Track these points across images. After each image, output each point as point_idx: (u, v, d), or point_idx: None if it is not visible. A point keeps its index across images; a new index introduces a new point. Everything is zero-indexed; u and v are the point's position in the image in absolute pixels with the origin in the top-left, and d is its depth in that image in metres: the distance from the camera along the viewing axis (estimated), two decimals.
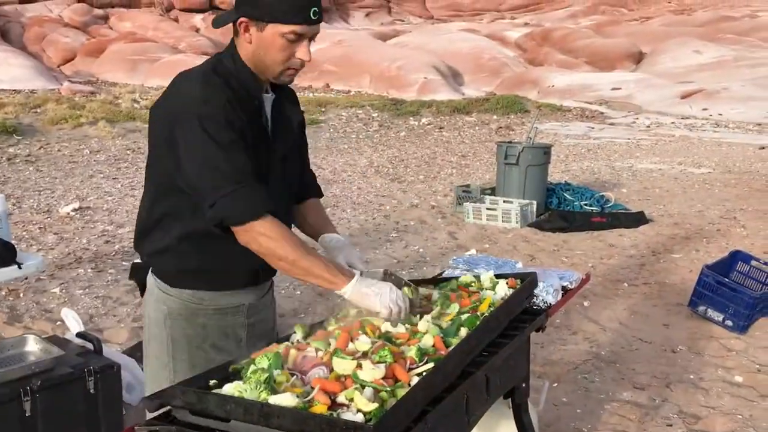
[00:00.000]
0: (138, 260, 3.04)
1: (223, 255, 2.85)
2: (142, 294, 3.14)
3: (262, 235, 2.66)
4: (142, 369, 4.88)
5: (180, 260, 2.88)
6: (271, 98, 2.93)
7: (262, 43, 2.74)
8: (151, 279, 3.02)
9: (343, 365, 2.32)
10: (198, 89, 2.70)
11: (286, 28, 2.69)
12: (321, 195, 3.40)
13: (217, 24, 2.88)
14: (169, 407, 2.29)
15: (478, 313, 2.92)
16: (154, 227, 2.90)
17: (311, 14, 2.71)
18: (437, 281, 3.51)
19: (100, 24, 38.08)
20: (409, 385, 2.30)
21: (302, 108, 3.14)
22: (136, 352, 5.68)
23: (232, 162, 2.64)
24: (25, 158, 15.90)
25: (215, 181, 2.63)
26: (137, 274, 3.28)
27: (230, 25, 2.84)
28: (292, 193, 3.13)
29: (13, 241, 4.99)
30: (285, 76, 2.82)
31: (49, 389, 3.81)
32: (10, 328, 6.50)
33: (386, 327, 2.69)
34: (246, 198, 2.64)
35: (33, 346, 4.19)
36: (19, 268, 4.78)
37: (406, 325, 2.73)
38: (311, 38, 2.78)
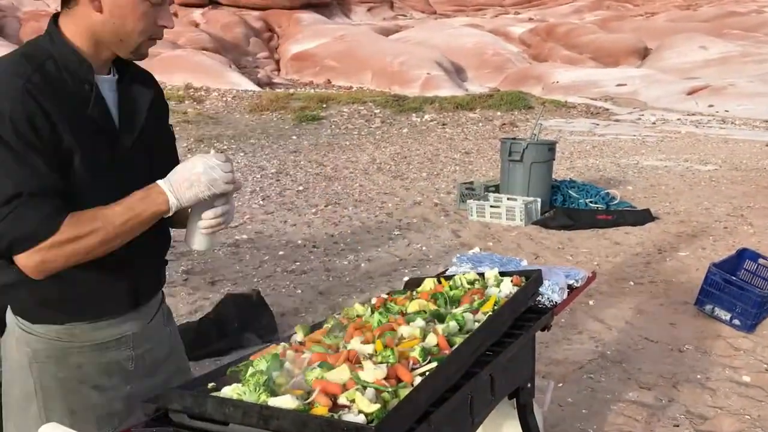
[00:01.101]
0: None
1: (87, 278, 2.42)
2: (0, 333, 2.62)
3: (56, 248, 2.23)
4: None
5: (37, 291, 2.38)
6: (112, 80, 2.47)
7: (119, 12, 2.32)
8: (10, 317, 2.54)
9: (337, 374, 2.29)
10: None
11: None
12: None
13: None
14: (165, 410, 2.26)
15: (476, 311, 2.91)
16: None
17: None
18: (440, 279, 3.49)
19: None
20: (412, 385, 2.27)
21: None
22: None
23: (23, 171, 2.18)
24: None
25: (2, 197, 2.17)
26: None
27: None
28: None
29: None
30: (144, 47, 2.43)
31: None
32: None
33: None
34: (36, 215, 2.19)
35: None
36: None
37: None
38: (171, 3, 2.49)
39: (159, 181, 2.32)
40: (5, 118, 2.16)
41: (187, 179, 2.31)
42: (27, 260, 2.23)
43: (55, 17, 2.42)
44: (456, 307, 2.93)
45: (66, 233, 2.21)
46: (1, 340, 2.63)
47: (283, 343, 2.66)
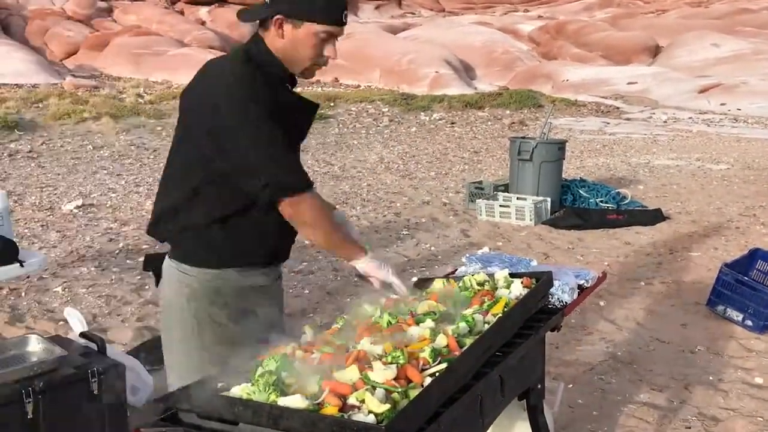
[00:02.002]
0: (151, 251, 3.11)
1: (247, 235, 3.06)
2: (157, 284, 3.30)
3: (311, 207, 2.95)
4: (148, 371, 4.90)
5: (205, 240, 3.04)
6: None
7: (295, 40, 2.96)
8: (168, 264, 3.19)
9: (346, 375, 2.30)
10: (238, 74, 2.91)
11: (321, 28, 2.94)
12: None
13: (245, 18, 3.06)
14: (175, 409, 2.28)
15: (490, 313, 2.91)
16: (178, 210, 3.08)
17: (343, 17, 2.99)
18: (449, 279, 3.49)
19: (103, 17, 38.13)
20: (422, 386, 2.29)
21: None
22: (140, 352, 5.70)
23: (278, 138, 2.89)
24: (27, 154, 15.94)
25: (271, 157, 2.88)
26: (152, 264, 3.37)
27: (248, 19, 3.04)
28: None
29: (14, 239, 4.99)
30: (310, 71, 3.07)
31: (52, 390, 3.80)
32: (11, 328, 6.51)
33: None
34: (297, 170, 2.95)
35: (35, 347, 4.19)
36: (21, 266, 4.79)
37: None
38: (338, 38, 3.03)
39: (369, 253, 3.09)
40: (254, 103, 2.85)
41: (382, 270, 3.05)
42: (290, 204, 2.94)
43: (257, 34, 3.07)
44: (466, 309, 2.94)
45: (315, 205, 2.98)
46: (160, 287, 3.29)
47: (291, 344, 2.68)
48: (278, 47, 3.00)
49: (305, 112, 3.21)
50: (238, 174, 2.91)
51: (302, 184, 2.93)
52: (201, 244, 3.05)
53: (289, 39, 2.97)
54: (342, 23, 2.99)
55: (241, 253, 3.09)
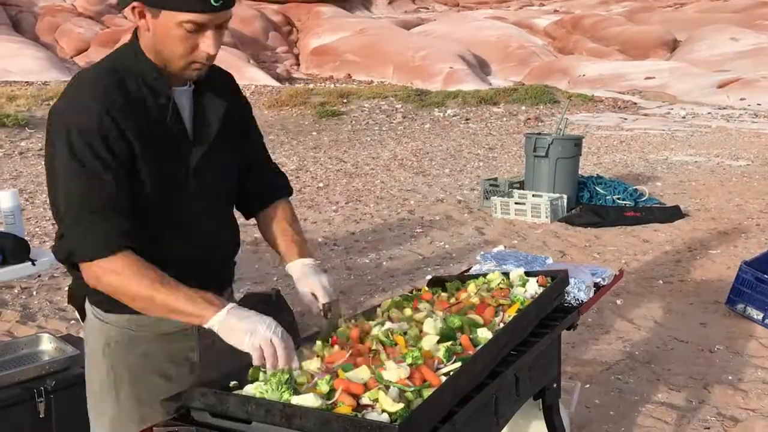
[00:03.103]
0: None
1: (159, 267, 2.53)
2: (82, 320, 2.90)
3: (109, 273, 2.39)
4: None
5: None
6: (187, 92, 2.60)
7: (158, 33, 2.41)
8: (88, 307, 2.75)
9: (358, 374, 2.31)
10: (77, 95, 2.45)
11: (183, 17, 2.35)
12: (285, 194, 3.01)
13: (120, 4, 2.46)
14: (187, 408, 2.29)
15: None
16: None
17: (210, 1, 2.35)
18: (464, 278, 3.50)
19: (114, 13, 38.16)
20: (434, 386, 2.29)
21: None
22: None
23: (91, 188, 2.36)
24: (38, 152, 15.99)
25: (68, 209, 2.40)
26: (75, 300, 3.05)
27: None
28: (221, 195, 2.77)
29: (26, 237, 5.01)
30: (190, 70, 2.49)
31: (64, 390, 3.83)
32: (23, 327, 6.55)
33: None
34: (97, 231, 2.37)
35: (47, 345, 4.22)
36: (33, 264, 4.80)
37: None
38: (219, 26, 2.45)
39: (227, 309, 2.39)
40: (82, 136, 2.34)
41: (238, 335, 2.36)
42: (84, 272, 2.44)
43: (137, 29, 2.52)
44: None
45: (116, 271, 2.39)
46: (84, 329, 2.86)
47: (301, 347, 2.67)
48: (147, 43, 2.47)
49: (207, 112, 2.63)
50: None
51: (94, 250, 2.39)
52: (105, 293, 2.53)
53: (152, 32, 2.41)
54: (213, 8, 2.36)
55: None
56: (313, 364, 2.40)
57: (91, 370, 2.76)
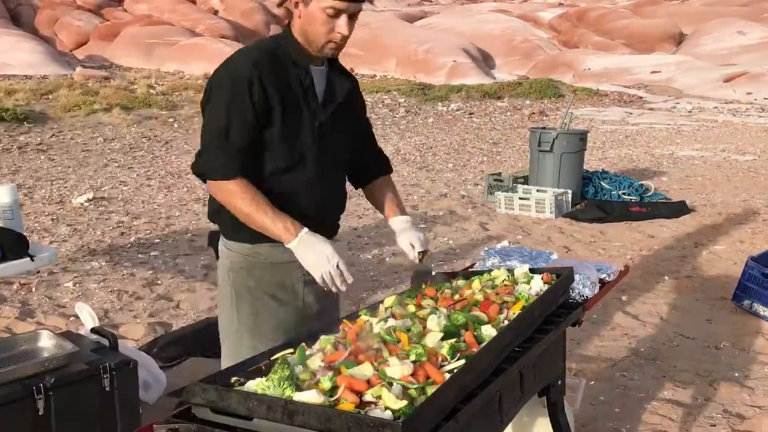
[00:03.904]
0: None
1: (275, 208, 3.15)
2: (217, 258, 3.53)
3: (223, 191, 3.09)
4: (161, 367, 4.94)
5: (234, 216, 3.15)
6: (322, 71, 3.29)
7: (307, 17, 3.10)
8: (220, 240, 3.42)
9: (361, 371, 2.31)
10: (235, 59, 3.15)
11: (326, 3, 3.03)
12: (388, 171, 3.73)
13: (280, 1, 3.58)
14: (189, 404, 2.29)
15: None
16: None
17: None
18: (468, 274, 3.50)
19: (114, 6, 38.20)
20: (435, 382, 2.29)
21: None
22: (152, 348, 5.73)
23: (229, 121, 3.05)
24: (37, 147, 16.01)
25: (208, 138, 3.13)
26: (212, 241, 3.77)
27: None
28: (338, 159, 3.41)
29: (25, 233, 5.01)
30: (327, 48, 3.16)
31: (63, 387, 3.83)
32: (22, 324, 6.54)
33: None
34: (219, 158, 3.08)
35: (46, 342, 4.22)
36: (32, 260, 4.80)
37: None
38: (352, 15, 3.12)
39: (301, 235, 3.08)
40: (233, 82, 3.05)
41: (309, 258, 3.07)
42: (210, 186, 3.16)
43: (290, 19, 3.26)
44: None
45: (230, 191, 3.07)
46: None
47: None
48: (297, 28, 3.17)
49: (335, 87, 3.32)
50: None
51: (216, 173, 3.09)
52: (231, 218, 3.17)
53: (303, 17, 3.12)
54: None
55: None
56: (315, 362, 2.41)
57: (221, 290, 3.40)
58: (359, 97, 3.56)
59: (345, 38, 3.16)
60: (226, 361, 3.28)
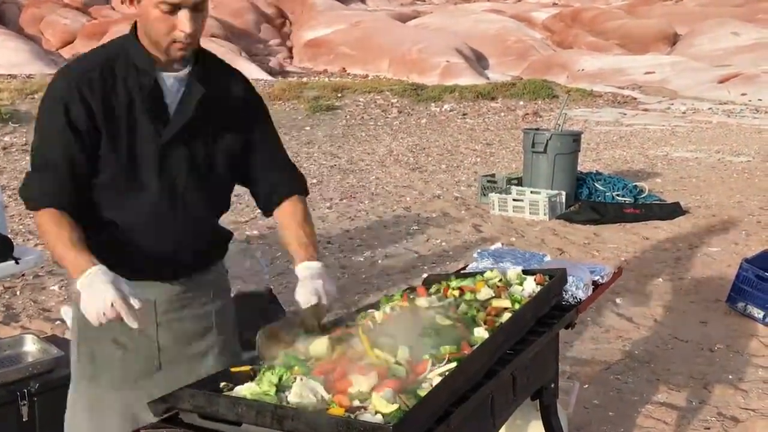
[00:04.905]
0: None
1: (124, 241, 2.79)
2: None
3: (38, 219, 2.68)
4: None
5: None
6: (179, 77, 2.79)
7: (143, 16, 2.65)
8: None
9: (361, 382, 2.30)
10: (61, 72, 2.78)
11: None
12: (295, 192, 3.10)
13: None
14: (176, 410, 2.28)
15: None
16: None
17: None
18: (459, 276, 3.50)
19: (101, 4, 38.15)
20: (431, 385, 2.29)
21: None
22: None
23: (42, 145, 2.72)
24: (22, 147, 15.93)
25: (31, 159, 2.76)
26: None
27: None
28: (198, 184, 2.85)
29: (9, 235, 5.00)
30: (174, 50, 2.68)
31: (48, 392, 3.82)
32: (6, 328, 6.52)
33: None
34: (36, 184, 2.70)
35: (31, 347, 4.21)
36: (16, 263, 4.79)
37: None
38: (196, 7, 2.63)
39: (88, 273, 2.49)
40: (49, 102, 2.68)
41: (83, 299, 2.48)
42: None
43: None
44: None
45: (39, 222, 2.68)
46: None
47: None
48: (140, 28, 2.72)
49: (195, 96, 2.77)
50: None
51: (32, 202, 2.70)
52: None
53: (138, 14, 2.67)
54: None
55: (120, 263, 2.64)
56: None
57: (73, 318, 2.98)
58: (250, 104, 3.01)
59: (191, 36, 2.65)
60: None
